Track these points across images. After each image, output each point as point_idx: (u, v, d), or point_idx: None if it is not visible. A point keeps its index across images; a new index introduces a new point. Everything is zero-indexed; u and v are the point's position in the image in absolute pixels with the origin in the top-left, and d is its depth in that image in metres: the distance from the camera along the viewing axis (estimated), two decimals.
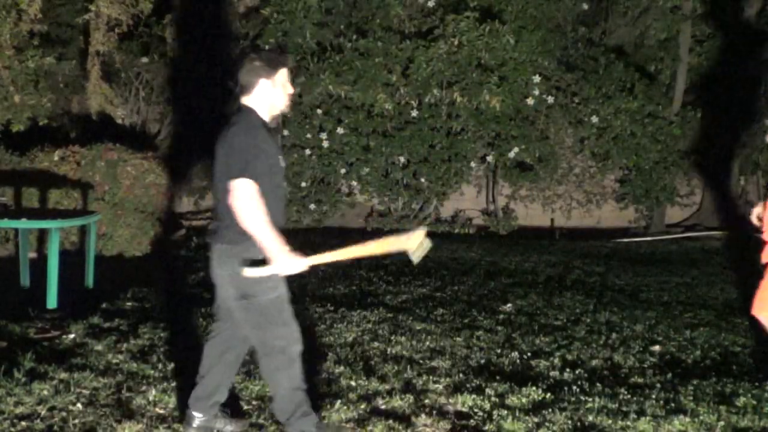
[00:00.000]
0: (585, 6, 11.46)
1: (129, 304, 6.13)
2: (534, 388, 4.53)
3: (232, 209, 3.44)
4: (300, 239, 9.45)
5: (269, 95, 3.58)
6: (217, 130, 3.71)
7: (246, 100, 3.60)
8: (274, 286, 3.54)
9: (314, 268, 7.69)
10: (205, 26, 10.57)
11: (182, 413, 3.93)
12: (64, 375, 4.43)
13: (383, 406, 4.27)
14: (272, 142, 3.61)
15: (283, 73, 3.60)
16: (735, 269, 8.62)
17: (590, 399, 4.41)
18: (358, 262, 8.09)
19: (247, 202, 3.41)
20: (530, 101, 10.62)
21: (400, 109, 10.75)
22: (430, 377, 4.71)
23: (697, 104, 11.67)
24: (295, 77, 10.69)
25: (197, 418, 3.80)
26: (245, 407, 4.19)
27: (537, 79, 10.55)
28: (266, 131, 3.56)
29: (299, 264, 3.51)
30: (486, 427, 4.06)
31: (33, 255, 7.19)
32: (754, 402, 4.43)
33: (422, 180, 10.81)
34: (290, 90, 3.66)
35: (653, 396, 4.50)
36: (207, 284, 7.06)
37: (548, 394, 4.46)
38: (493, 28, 10.54)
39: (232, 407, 4.16)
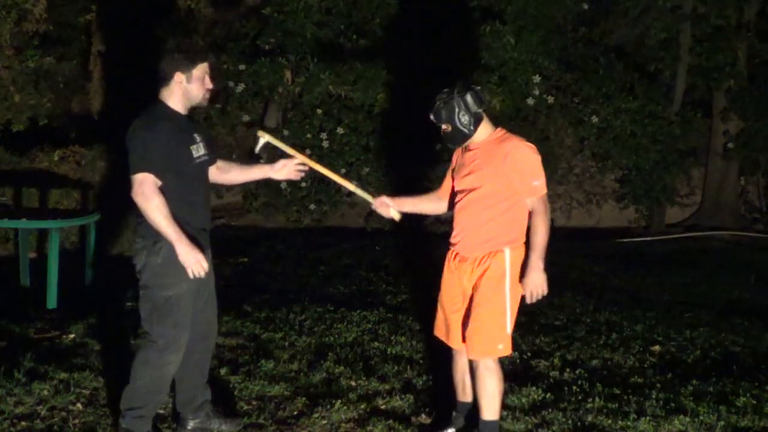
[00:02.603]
0: (585, 6, 11.45)
1: (129, 304, 6.12)
2: (534, 388, 4.53)
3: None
4: (300, 239, 9.48)
5: (184, 89, 3.55)
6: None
7: (161, 92, 3.57)
8: (171, 283, 3.49)
9: (315, 268, 7.72)
10: (205, 26, 10.58)
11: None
12: (64, 375, 4.43)
13: (383, 406, 4.27)
14: (182, 133, 3.54)
15: (201, 68, 3.57)
16: (735, 269, 8.62)
17: (590, 399, 4.41)
18: (358, 262, 8.10)
19: (142, 195, 3.38)
20: (530, 101, 10.61)
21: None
22: (430, 377, 4.72)
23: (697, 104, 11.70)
24: (295, 77, 10.70)
25: (190, 420, 3.82)
26: (245, 407, 4.20)
27: (537, 79, 10.54)
28: (172, 123, 3.50)
29: (199, 258, 3.45)
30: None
31: (33, 255, 7.19)
32: (754, 402, 4.44)
33: (424, 180, 10.80)
34: (209, 85, 3.61)
35: (653, 396, 4.50)
36: None
37: (548, 394, 4.47)
38: (493, 28, 10.54)
39: (227, 406, 4.17)
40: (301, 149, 10.72)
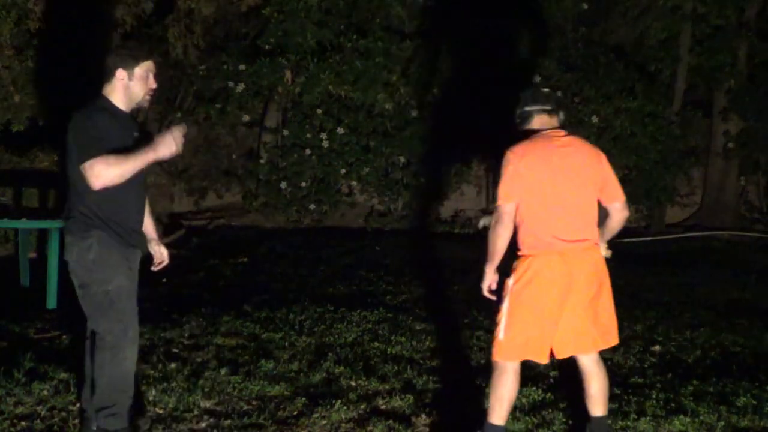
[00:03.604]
0: (585, 6, 11.45)
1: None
2: (534, 388, 4.53)
3: (77, 200, 3.43)
4: (300, 239, 9.48)
5: (126, 86, 3.53)
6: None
7: (105, 88, 3.56)
8: (107, 278, 3.46)
9: (315, 268, 7.71)
10: (205, 26, 10.58)
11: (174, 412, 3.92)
12: (64, 375, 4.43)
13: (383, 406, 4.27)
14: (121, 129, 3.51)
15: (144, 67, 3.54)
16: (735, 269, 8.62)
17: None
18: (358, 262, 8.09)
19: (99, 177, 3.32)
20: None
21: (400, 109, 10.75)
22: (430, 377, 4.72)
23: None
24: (295, 77, 10.70)
25: (94, 419, 3.65)
26: (245, 407, 4.19)
27: (537, 79, 10.55)
28: (114, 118, 3.48)
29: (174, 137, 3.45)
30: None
31: (33, 255, 7.19)
32: (754, 402, 4.44)
33: (422, 180, 10.81)
34: (152, 85, 3.59)
35: (653, 396, 4.50)
36: (207, 284, 7.09)
37: (548, 394, 4.46)
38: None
39: (231, 406, 4.17)
40: (300, 149, 10.83)
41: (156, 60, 3.65)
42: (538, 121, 3.68)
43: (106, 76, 3.54)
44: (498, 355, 3.60)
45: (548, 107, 3.68)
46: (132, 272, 3.56)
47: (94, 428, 3.68)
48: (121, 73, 3.52)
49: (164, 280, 6.92)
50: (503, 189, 3.55)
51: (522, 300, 3.56)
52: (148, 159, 3.41)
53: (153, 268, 3.90)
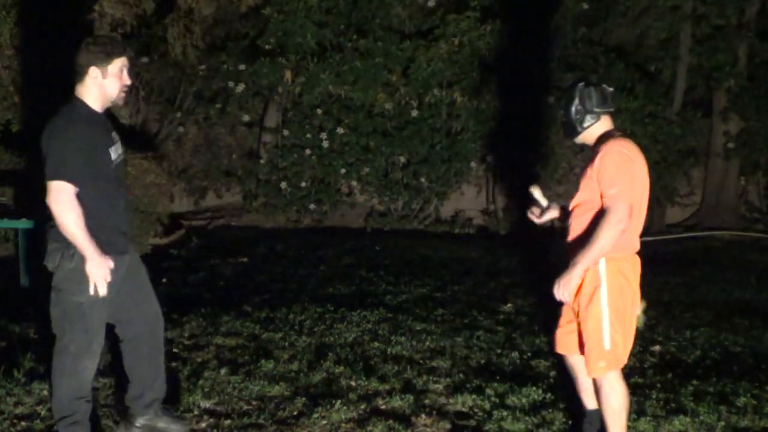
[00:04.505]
0: (585, 6, 11.45)
1: None
2: (534, 388, 4.53)
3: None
4: (300, 239, 9.48)
5: (100, 85, 3.41)
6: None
7: (77, 88, 3.43)
8: (84, 288, 3.38)
9: (315, 268, 7.72)
10: (204, 26, 10.58)
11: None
12: None
13: (383, 406, 4.27)
14: (100, 134, 3.42)
15: (117, 63, 3.41)
16: (735, 269, 8.62)
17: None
18: (358, 262, 8.10)
19: (58, 204, 3.28)
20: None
21: (400, 109, 10.75)
22: (430, 377, 4.72)
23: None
24: (295, 77, 10.70)
25: (138, 417, 3.77)
26: (245, 407, 4.19)
27: (537, 79, 10.54)
28: (91, 124, 3.39)
29: (106, 274, 3.36)
30: (486, 427, 4.06)
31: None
32: (754, 402, 4.44)
33: (422, 180, 10.81)
34: (126, 81, 3.47)
35: (653, 396, 4.50)
36: (207, 284, 7.09)
37: (548, 394, 4.47)
38: (494, 28, 10.54)
39: (231, 406, 4.16)
40: (301, 149, 10.84)
41: (128, 55, 3.53)
42: (606, 122, 3.55)
43: (78, 75, 3.40)
44: (609, 366, 3.49)
45: (613, 108, 3.56)
46: (113, 282, 3.44)
47: (138, 425, 3.73)
48: (94, 72, 3.38)
49: (164, 280, 6.93)
50: (628, 189, 3.36)
51: (618, 306, 3.47)
52: (86, 253, 3.31)
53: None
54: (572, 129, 3.54)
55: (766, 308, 6.84)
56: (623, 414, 3.53)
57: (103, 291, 3.38)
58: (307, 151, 10.76)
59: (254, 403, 4.25)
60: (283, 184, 10.74)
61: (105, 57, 3.39)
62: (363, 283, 7.19)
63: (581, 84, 3.53)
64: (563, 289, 3.42)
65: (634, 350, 5.37)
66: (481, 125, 10.74)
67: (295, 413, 4.15)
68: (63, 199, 3.27)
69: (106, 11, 9.57)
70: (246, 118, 11.26)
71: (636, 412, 4.23)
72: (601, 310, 3.45)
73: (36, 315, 5.68)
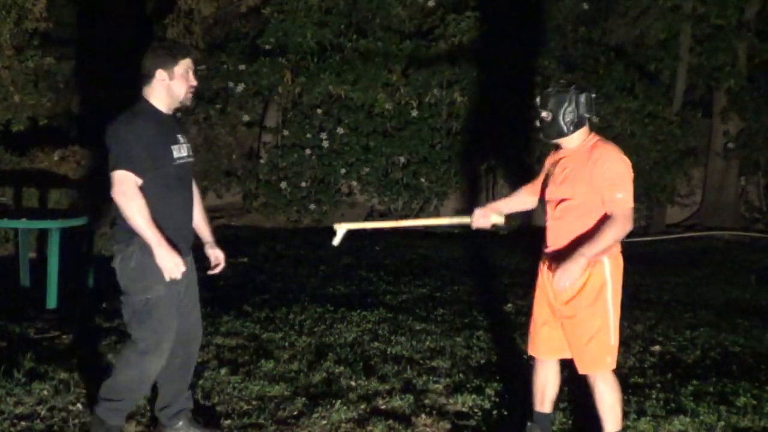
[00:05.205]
0: (585, 6, 11.46)
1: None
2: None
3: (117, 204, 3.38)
4: (300, 239, 9.48)
5: (168, 87, 3.46)
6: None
7: (144, 90, 3.49)
8: (147, 286, 3.42)
9: (315, 268, 7.73)
10: (204, 26, 10.59)
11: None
12: (64, 375, 4.43)
13: (383, 406, 4.27)
14: (163, 131, 3.46)
15: (183, 65, 3.46)
16: (735, 269, 8.62)
17: (591, 398, 4.40)
18: (358, 262, 8.10)
19: (122, 195, 3.31)
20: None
21: (400, 109, 10.75)
22: (430, 377, 4.71)
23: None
24: (295, 77, 10.71)
25: (167, 427, 3.77)
26: (245, 407, 4.19)
27: (537, 79, 10.55)
28: (154, 120, 3.43)
29: (178, 262, 3.38)
30: (486, 427, 4.06)
31: (33, 255, 7.18)
32: (754, 402, 4.44)
33: (422, 180, 10.81)
34: (193, 82, 3.51)
35: (653, 396, 4.50)
36: (206, 284, 7.08)
37: None
38: (493, 28, 10.54)
39: (231, 406, 4.16)
40: (301, 149, 10.84)
41: (194, 56, 3.58)
42: (588, 127, 3.69)
43: (146, 78, 3.47)
44: (614, 361, 3.57)
45: (593, 114, 3.69)
46: (179, 281, 3.45)
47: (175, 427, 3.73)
48: (161, 74, 3.44)
49: None
50: (631, 194, 3.59)
51: (617, 302, 3.57)
52: (152, 242, 3.32)
53: (209, 272, 3.82)
54: (559, 130, 3.62)
55: (766, 308, 6.84)
56: (617, 407, 3.61)
57: (177, 275, 3.39)
58: (307, 151, 10.77)
59: (254, 403, 4.25)
60: (283, 184, 10.75)
61: (171, 59, 3.46)
62: (363, 283, 7.20)
63: (574, 88, 3.64)
64: (565, 278, 3.45)
65: (634, 350, 5.39)
66: (481, 125, 10.75)
67: (295, 413, 4.15)
68: (126, 189, 3.31)
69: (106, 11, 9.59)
70: (246, 118, 11.27)
71: (636, 412, 4.23)
72: (607, 307, 3.52)
73: (36, 315, 5.69)
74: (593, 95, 3.67)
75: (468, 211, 4.01)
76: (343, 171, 10.82)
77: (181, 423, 3.77)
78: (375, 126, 10.70)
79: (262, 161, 11.04)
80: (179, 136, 3.55)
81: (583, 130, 3.65)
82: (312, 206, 10.80)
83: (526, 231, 11.10)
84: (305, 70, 10.62)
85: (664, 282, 7.77)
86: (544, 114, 3.62)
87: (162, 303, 3.46)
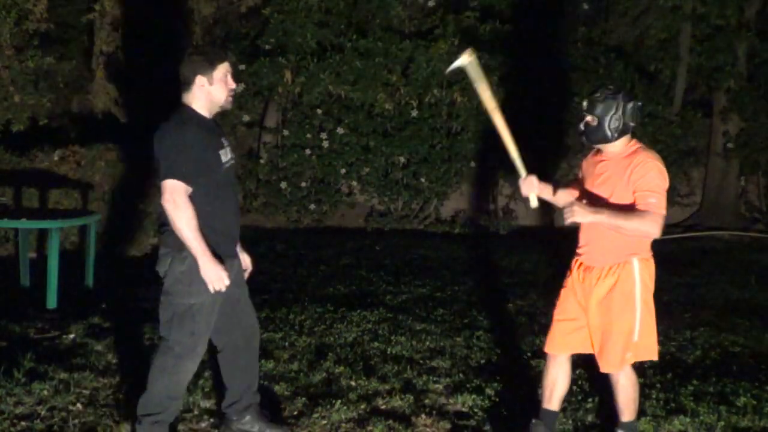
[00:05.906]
0: (585, 6, 11.46)
1: (129, 304, 6.12)
2: (534, 388, 4.53)
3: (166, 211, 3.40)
4: (300, 239, 9.49)
5: (208, 92, 3.50)
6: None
7: (185, 97, 3.53)
8: (194, 291, 3.44)
9: (315, 268, 7.73)
10: (204, 26, 10.59)
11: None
12: (64, 375, 4.44)
13: (383, 406, 4.27)
14: (211, 137, 3.50)
15: (221, 69, 3.51)
16: (735, 269, 8.62)
17: (590, 399, 4.41)
18: (358, 262, 8.10)
19: (171, 204, 3.34)
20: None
21: (400, 109, 10.75)
22: (430, 377, 4.72)
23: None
24: (295, 77, 10.70)
25: (235, 421, 3.83)
26: None
27: (537, 78, 10.55)
28: (201, 127, 3.46)
29: (221, 275, 3.41)
30: (486, 427, 4.06)
31: (33, 255, 7.18)
32: (754, 402, 4.44)
33: (422, 180, 10.81)
34: (232, 85, 3.56)
35: (653, 396, 4.50)
36: None
37: None
38: (493, 28, 10.54)
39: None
40: (301, 149, 10.84)
41: (231, 60, 3.62)
42: (629, 137, 3.68)
43: (185, 85, 3.50)
44: (635, 356, 3.64)
45: (638, 123, 3.70)
46: (219, 290, 3.47)
47: (235, 430, 3.79)
48: (200, 80, 3.47)
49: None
50: (664, 200, 3.53)
51: (647, 300, 3.62)
52: (197, 253, 3.36)
53: None
54: (604, 136, 3.62)
55: (766, 308, 6.85)
56: (637, 400, 3.74)
57: (222, 287, 3.42)
58: (307, 151, 10.76)
59: None
60: (283, 184, 10.74)
61: (208, 65, 3.49)
62: (363, 283, 7.20)
63: (622, 95, 3.63)
64: (568, 215, 3.48)
65: None
66: (481, 125, 10.74)
67: (295, 413, 4.15)
68: (176, 199, 3.34)
69: (107, 10, 9.59)
70: (246, 118, 11.26)
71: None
72: (635, 306, 3.58)
73: (36, 315, 5.69)
74: (640, 104, 3.68)
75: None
76: (343, 171, 10.81)
77: (248, 417, 3.83)
78: (375, 126, 10.70)
79: (262, 161, 11.03)
80: (223, 140, 3.60)
81: (626, 138, 3.66)
82: (312, 206, 10.79)
83: (526, 231, 11.11)
84: (305, 70, 10.61)
85: (664, 282, 7.76)
86: (589, 118, 3.65)
87: (205, 309, 3.50)
